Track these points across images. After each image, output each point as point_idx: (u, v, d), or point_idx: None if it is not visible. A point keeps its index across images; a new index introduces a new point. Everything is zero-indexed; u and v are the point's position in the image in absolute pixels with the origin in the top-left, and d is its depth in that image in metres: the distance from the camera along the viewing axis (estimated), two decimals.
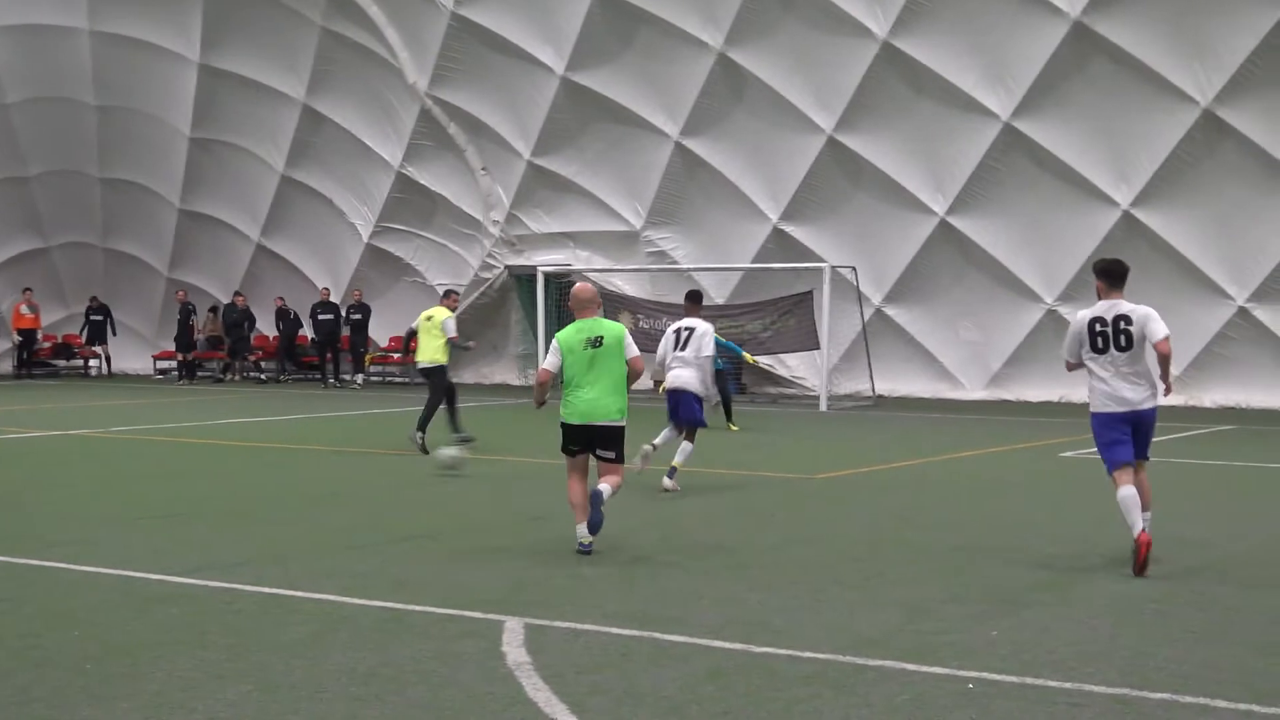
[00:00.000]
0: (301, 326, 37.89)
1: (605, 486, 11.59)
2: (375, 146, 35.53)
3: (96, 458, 19.41)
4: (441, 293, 22.08)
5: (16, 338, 39.36)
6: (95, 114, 37.40)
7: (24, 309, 39.05)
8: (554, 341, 11.82)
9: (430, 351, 19.73)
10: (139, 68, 36.19)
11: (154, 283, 40.29)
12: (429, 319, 19.82)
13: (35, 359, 40.01)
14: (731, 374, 31.77)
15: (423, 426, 19.33)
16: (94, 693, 7.38)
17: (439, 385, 19.78)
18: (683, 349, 16.01)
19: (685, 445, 15.72)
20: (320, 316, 36.67)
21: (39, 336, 39.97)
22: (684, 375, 15.87)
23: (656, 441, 15.73)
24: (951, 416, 26.81)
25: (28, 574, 10.60)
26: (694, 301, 17.13)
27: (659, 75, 31.58)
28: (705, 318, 16.91)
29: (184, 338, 38.39)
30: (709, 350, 16.25)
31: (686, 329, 16.20)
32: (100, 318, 40.06)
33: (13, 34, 35.60)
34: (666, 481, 15.36)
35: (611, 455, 11.73)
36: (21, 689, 7.44)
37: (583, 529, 11.46)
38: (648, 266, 33.12)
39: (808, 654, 8.19)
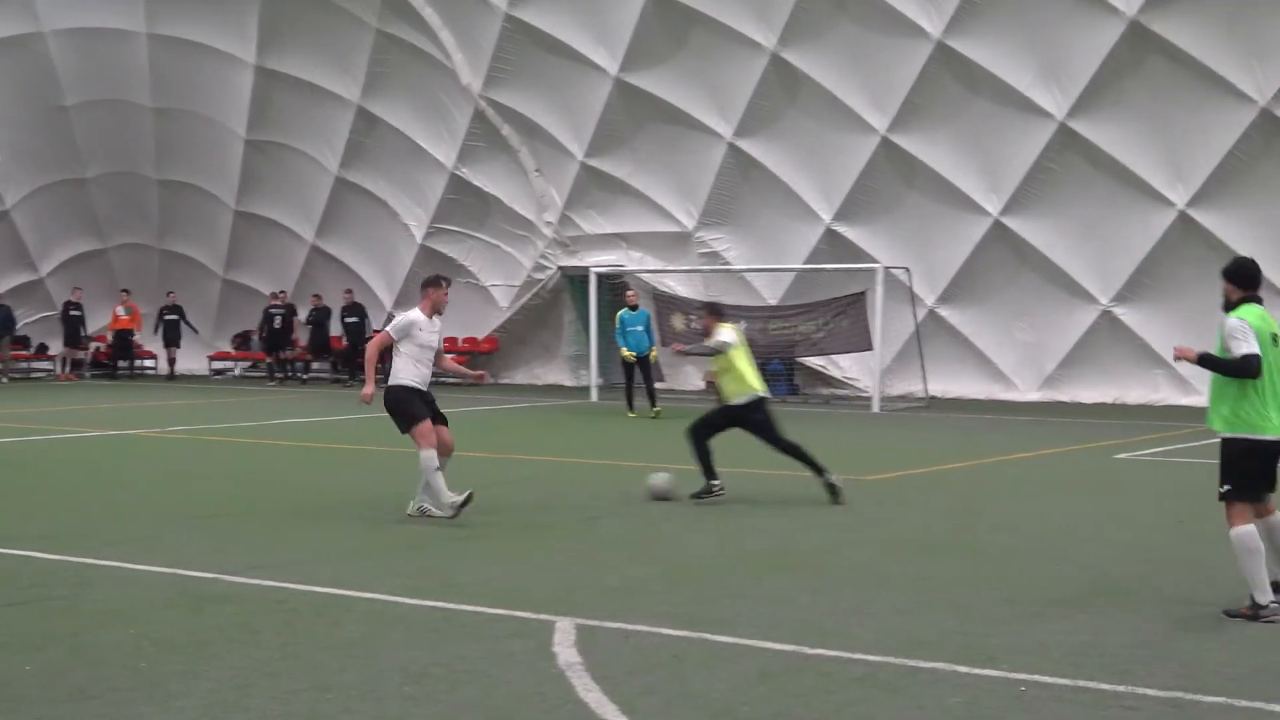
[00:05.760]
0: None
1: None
2: (429, 148, 35.63)
3: (152, 457, 19.55)
4: None
5: (109, 337, 39.48)
6: (152, 116, 37.63)
7: (120, 310, 39.12)
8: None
9: None
10: (195, 70, 36.40)
11: (209, 284, 40.46)
12: None
13: (97, 360, 40.27)
14: (784, 375, 31.81)
15: None
16: (149, 691, 7.44)
17: None
18: None
19: None
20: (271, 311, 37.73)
21: (134, 337, 39.80)
22: None
23: None
24: (1005, 418, 26.67)
25: (84, 572, 10.69)
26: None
27: (712, 76, 31.55)
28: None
29: (277, 339, 38.15)
30: None
31: None
32: (175, 318, 39.86)
33: (71, 37, 35.86)
34: None
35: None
36: (78, 687, 7.50)
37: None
38: (700, 268, 33.09)
39: (859, 656, 8.18)
